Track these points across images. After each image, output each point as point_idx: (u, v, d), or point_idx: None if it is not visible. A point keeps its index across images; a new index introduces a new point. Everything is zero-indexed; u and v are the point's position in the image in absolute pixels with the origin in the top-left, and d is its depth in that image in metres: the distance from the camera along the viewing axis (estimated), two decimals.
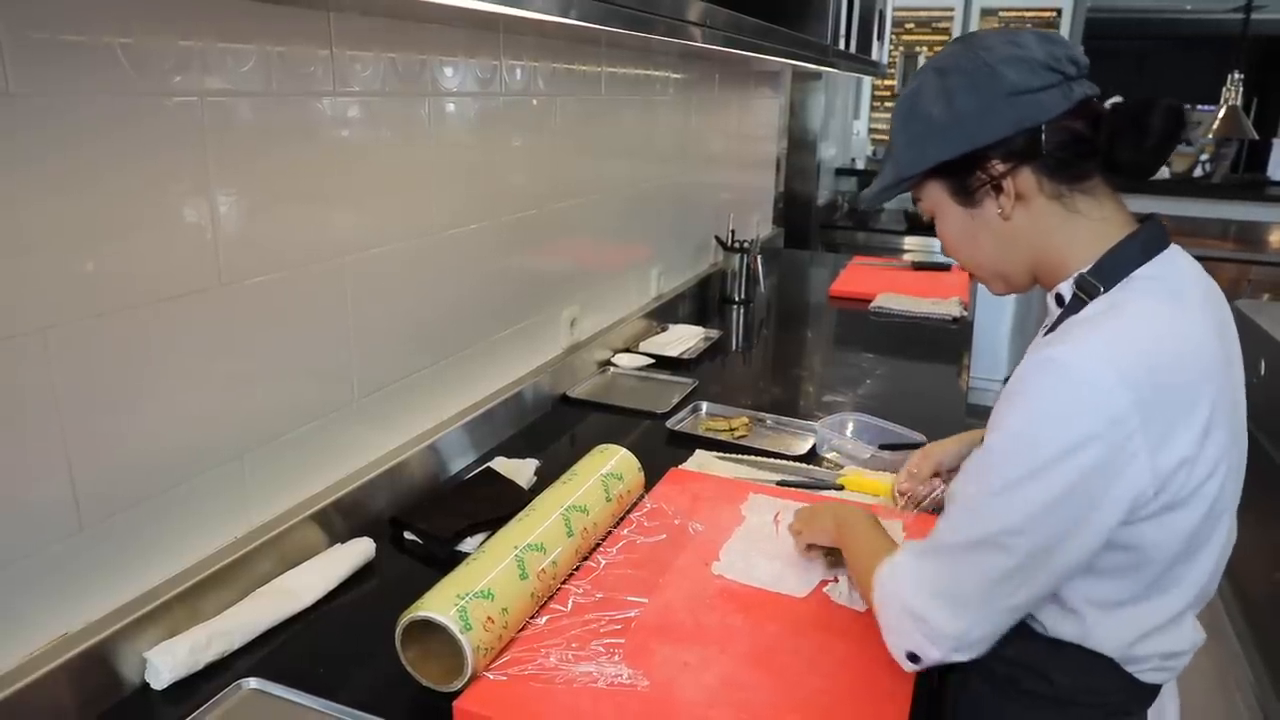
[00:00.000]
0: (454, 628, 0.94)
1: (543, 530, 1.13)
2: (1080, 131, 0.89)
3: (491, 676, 0.97)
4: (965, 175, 0.94)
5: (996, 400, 0.91)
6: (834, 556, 1.19)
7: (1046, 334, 0.94)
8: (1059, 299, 0.95)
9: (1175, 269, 0.90)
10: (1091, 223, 0.92)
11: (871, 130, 6.03)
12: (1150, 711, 0.97)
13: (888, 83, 5.91)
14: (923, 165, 0.95)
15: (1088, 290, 0.90)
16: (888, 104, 6.03)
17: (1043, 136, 0.89)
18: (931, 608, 0.88)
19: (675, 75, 2.39)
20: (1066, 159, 0.90)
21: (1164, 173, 5.94)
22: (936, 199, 0.98)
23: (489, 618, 0.98)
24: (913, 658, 0.92)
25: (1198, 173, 5.86)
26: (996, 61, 0.89)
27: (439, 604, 0.96)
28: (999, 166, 0.91)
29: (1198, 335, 0.86)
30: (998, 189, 0.92)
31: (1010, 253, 0.96)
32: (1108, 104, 0.92)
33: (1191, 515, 0.85)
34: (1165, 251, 0.91)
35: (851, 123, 5.34)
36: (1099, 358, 0.81)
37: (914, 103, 0.95)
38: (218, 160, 1.04)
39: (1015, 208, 0.93)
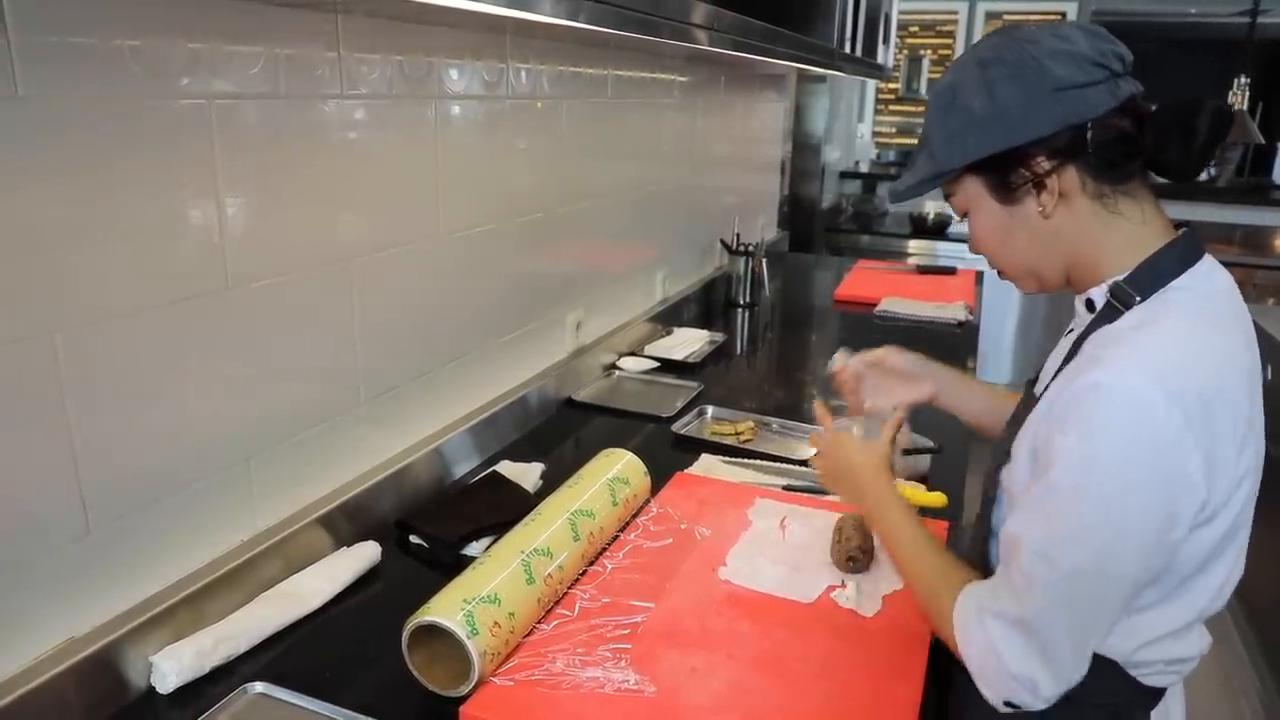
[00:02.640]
0: (460, 633, 0.93)
1: (549, 535, 1.13)
2: (1126, 130, 0.86)
3: (498, 681, 0.97)
4: (1007, 171, 0.90)
5: (1036, 424, 0.89)
6: (854, 560, 1.19)
7: (1076, 341, 0.91)
8: (1089, 304, 0.92)
9: (1209, 281, 0.88)
10: (1131, 226, 0.89)
11: (876, 133, 6.03)
12: (1154, 714, 0.96)
13: (892, 86, 5.92)
14: (963, 160, 0.91)
15: (1123, 299, 0.88)
16: (892, 107, 6.03)
17: (1089, 134, 0.86)
18: (1035, 670, 0.84)
19: (681, 78, 2.39)
20: (1112, 158, 0.87)
21: None
22: (973, 195, 0.94)
23: (495, 622, 0.97)
24: (1010, 705, 0.87)
25: (1203, 177, 5.85)
26: (1043, 55, 0.85)
27: (446, 609, 0.96)
28: (1043, 164, 0.88)
29: (1233, 350, 0.85)
30: (1039, 186, 0.89)
31: (1047, 252, 0.93)
32: (1153, 106, 0.89)
33: (1218, 528, 0.85)
34: (1200, 262, 0.89)
35: (856, 126, 5.34)
36: (1146, 379, 0.79)
37: (954, 95, 0.91)
38: (225, 163, 1.04)
39: (1057, 207, 0.89)
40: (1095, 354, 0.84)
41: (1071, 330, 0.97)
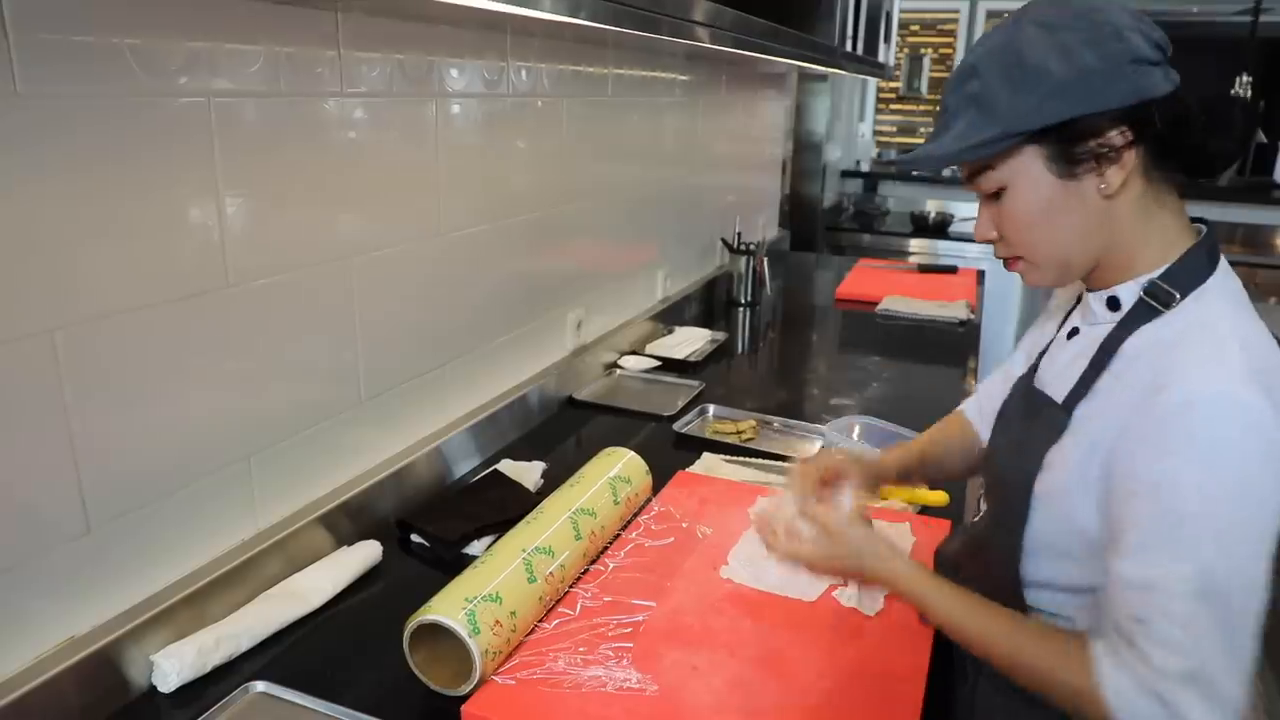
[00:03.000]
0: (462, 631, 0.93)
1: (551, 533, 1.13)
2: (1186, 113, 0.84)
3: (500, 680, 0.97)
4: (1074, 142, 0.84)
5: (1084, 446, 0.85)
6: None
7: (1104, 345, 0.87)
8: (1113, 302, 0.89)
9: (1231, 278, 0.87)
10: (1167, 220, 0.87)
11: (877, 132, 6.02)
12: None
13: (893, 85, 5.91)
14: (1041, 121, 0.83)
15: (1162, 299, 0.85)
16: (893, 106, 6.03)
17: (1156, 114, 0.83)
18: (1195, 710, 0.74)
19: (682, 77, 2.39)
20: (1173, 142, 0.85)
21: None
22: (1025, 167, 0.86)
23: (497, 621, 0.97)
24: None
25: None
26: (1121, 26, 0.82)
27: (447, 607, 0.96)
28: (1118, 137, 0.83)
29: (1272, 338, 0.84)
30: (1107, 161, 0.84)
31: (1089, 238, 0.88)
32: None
33: None
34: (1221, 260, 0.87)
35: (857, 125, 5.34)
36: (1240, 382, 0.76)
37: (1020, 56, 0.84)
38: (225, 161, 1.04)
39: (1121, 187, 0.85)
40: (1165, 362, 0.80)
41: (1076, 329, 0.94)
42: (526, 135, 1.67)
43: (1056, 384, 0.93)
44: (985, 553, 1.00)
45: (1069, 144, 0.84)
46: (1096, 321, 0.91)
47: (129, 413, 0.97)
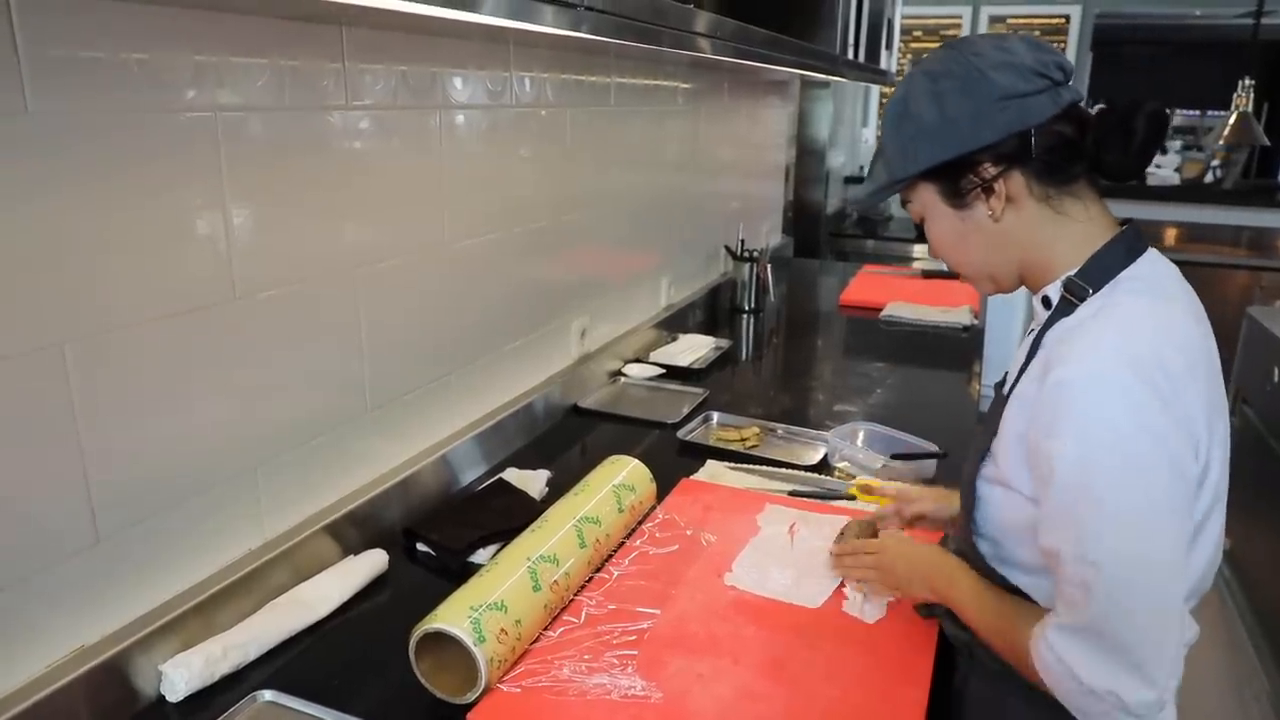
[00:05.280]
0: (467, 640, 0.94)
1: (555, 541, 1.14)
2: (1068, 135, 0.91)
3: (505, 689, 0.97)
4: (957, 178, 0.95)
5: (1012, 421, 0.91)
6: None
7: (1035, 339, 0.94)
8: (1046, 301, 0.96)
9: (1155, 270, 0.93)
10: (1078, 225, 0.94)
11: (879, 139, 6.02)
12: None
13: None
14: (916, 167, 0.96)
15: (1076, 293, 0.91)
16: None
17: (1033, 140, 0.90)
18: (1111, 680, 0.81)
19: (684, 85, 2.40)
20: (1055, 162, 0.92)
21: (1174, 178, 5.92)
22: (927, 201, 0.99)
23: (502, 629, 0.98)
24: None
25: (1208, 179, 5.84)
26: (987, 67, 0.90)
27: (452, 616, 0.96)
28: (990, 169, 0.93)
29: (1187, 328, 0.88)
30: (988, 191, 0.93)
31: (999, 254, 0.97)
32: (1094, 109, 0.94)
33: (1202, 503, 0.88)
34: (1145, 254, 0.93)
35: (860, 131, 5.34)
36: (1112, 363, 0.82)
37: (905, 106, 0.96)
38: (232, 174, 1.05)
39: (1005, 210, 0.94)
40: (1057, 351, 0.87)
41: (1033, 330, 0.99)
42: (530, 145, 1.68)
43: (1010, 379, 0.99)
44: (960, 540, 1.06)
45: (952, 181, 0.95)
46: (1039, 320, 0.97)
47: (137, 424, 0.98)
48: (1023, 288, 1.02)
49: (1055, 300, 0.94)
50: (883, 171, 1.00)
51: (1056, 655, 0.84)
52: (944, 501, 1.25)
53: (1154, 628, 0.82)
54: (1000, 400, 0.98)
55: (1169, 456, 0.81)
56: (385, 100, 1.28)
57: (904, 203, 1.02)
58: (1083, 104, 0.93)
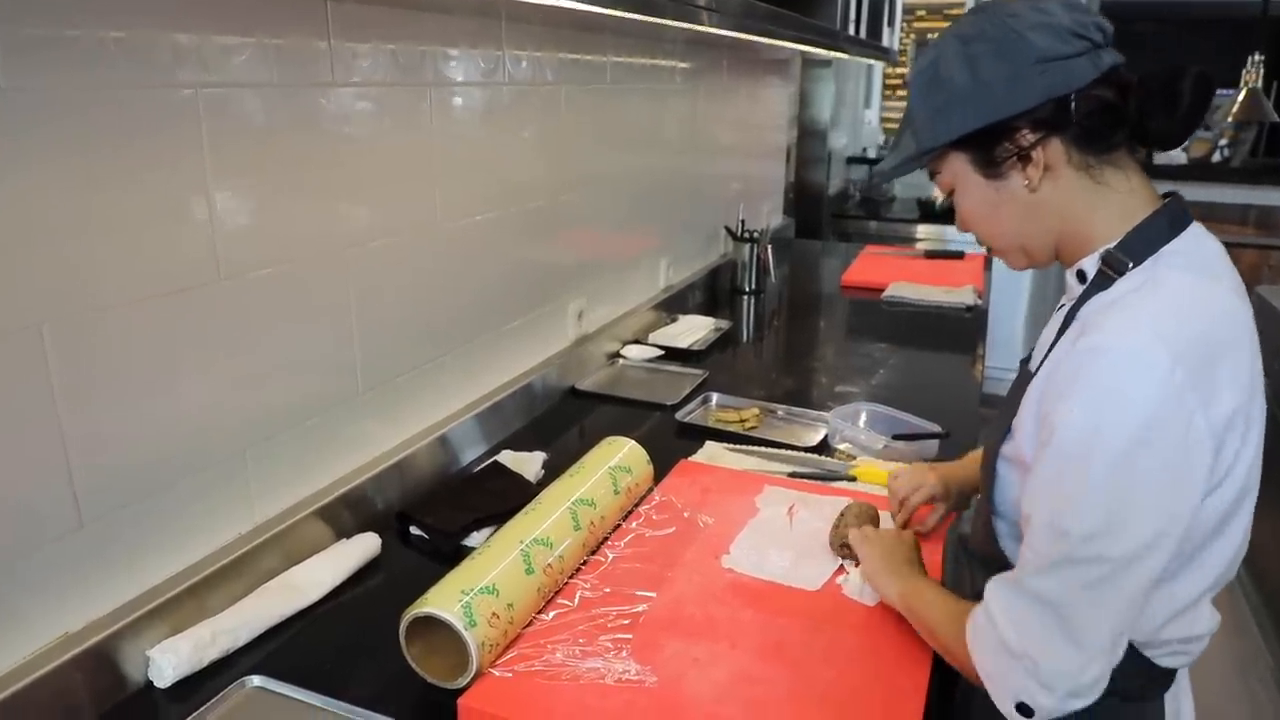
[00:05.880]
0: (458, 624, 0.92)
1: (549, 524, 1.12)
2: (1110, 100, 0.86)
3: (497, 673, 0.96)
4: (991, 146, 0.89)
5: (1036, 396, 0.87)
6: (848, 548, 1.17)
7: (1069, 313, 0.90)
8: (1081, 275, 0.91)
9: (1199, 245, 0.88)
10: (1118, 196, 0.89)
11: (883, 119, 5.97)
12: (1166, 698, 0.95)
13: (899, 70, 5.86)
14: (948, 136, 0.90)
15: (1116, 267, 0.87)
16: (899, 92, 5.97)
17: (1073, 105, 0.85)
18: (1036, 644, 0.79)
19: (683, 64, 2.36)
20: (1096, 129, 0.87)
21: (1181, 157, 5.87)
22: (958, 171, 0.94)
23: (494, 613, 0.96)
24: (1023, 709, 0.81)
25: (1216, 157, 5.77)
26: (1024, 28, 0.85)
27: (443, 600, 0.95)
28: (1028, 136, 0.87)
29: (1231, 306, 0.84)
30: (1025, 160, 0.88)
31: (1034, 226, 0.92)
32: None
33: (1228, 492, 0.83)
34: (1190, 228, 0.88)
35: (862, 111, 5.29)
36: (1149, 336, 0.77)
37: (935, 71, 0.90)
38: (215, 153, 1.03)
39: (1042, 179, 0.89)
40: (1094, 320, 0.83)
41: (1063, 305, 0.95)
42: (524, 124, 1.65)
43: (1037, 357, 0.95)
44: (978, 519, 1.04)
45: (986, 149, 0.90)
46: (1073, 295, 0.93)
47: (120, 406, 0.97)
48: (1032, 267, 0.98)
49: (1091, 275, 0.89)
50: (910, 141, 0.94)
51: (989, 614, 0.82)
52: (947, 476, 1.24)
53: (1117, 613, 0.79)
54: (1025, 376, 0.94)
55: (1180, 451, 0.76)
56: (374, 78, 1.26)
57: (932, 174, 0.97)
58: (1124, 68, 0.88)
